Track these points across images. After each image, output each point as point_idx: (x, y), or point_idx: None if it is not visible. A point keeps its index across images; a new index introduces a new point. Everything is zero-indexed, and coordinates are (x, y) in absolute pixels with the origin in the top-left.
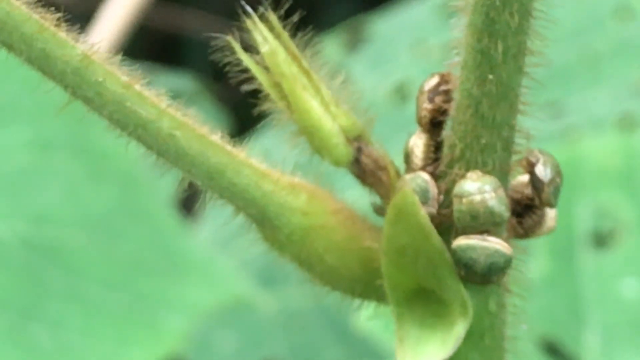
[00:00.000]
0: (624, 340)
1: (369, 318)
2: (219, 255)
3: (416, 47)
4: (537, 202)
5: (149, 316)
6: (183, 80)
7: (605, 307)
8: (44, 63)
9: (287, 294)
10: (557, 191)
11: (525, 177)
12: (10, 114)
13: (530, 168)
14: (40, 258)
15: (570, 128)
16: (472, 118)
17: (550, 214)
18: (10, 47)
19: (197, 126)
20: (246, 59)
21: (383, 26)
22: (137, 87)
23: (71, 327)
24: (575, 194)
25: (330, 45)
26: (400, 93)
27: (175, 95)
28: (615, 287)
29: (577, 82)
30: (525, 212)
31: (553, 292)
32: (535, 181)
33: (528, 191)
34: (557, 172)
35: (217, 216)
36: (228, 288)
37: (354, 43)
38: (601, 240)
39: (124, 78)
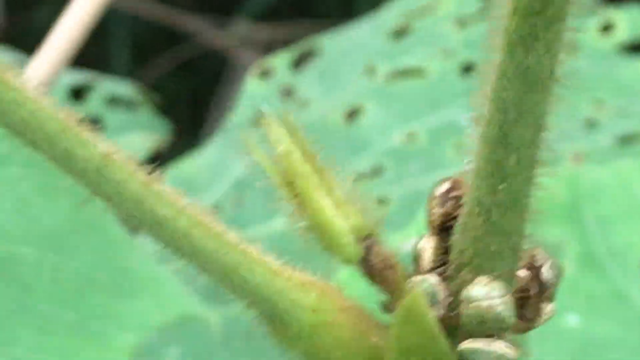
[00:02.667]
0: None
1: None
2: (166, 271)
3: (364, 69)
4: (536, 297)
5: (99, 332)
6: (123, 87)
7: (546, 340)
8: (66, 161)
9: (232, 311)
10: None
11: (524, 273)
12: None
13: (536, 271)
14: None
15: None
16: (483, 225)
17: (548, 306)
18: (34, 145)
19: (213, 224)
20: (260, 158)
21: (332, 45)
22: (156, 186)
23: (21, 343)
24: None
25: (280, 62)
26: (348, 114)
27: (113, 101)
28: (556, 320)
29: None
30: (524, 306)
31: None
32: (540, 283)
33: (528, 287)
34: (560, 272)
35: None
36: (176, 305)
37: (303, 61)
38: None
39: (143, 177)
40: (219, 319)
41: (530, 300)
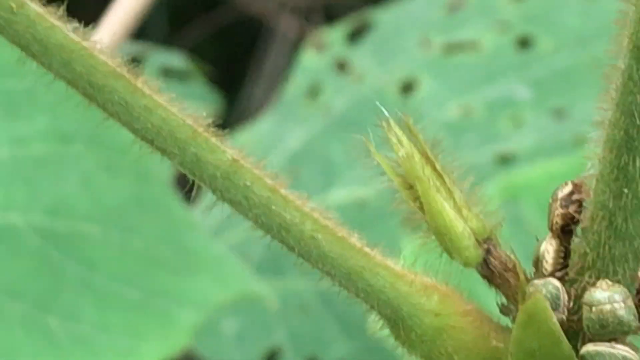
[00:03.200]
0: None
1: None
2: (224, 248)
3: (420, 42)
4: None
5: (162, 310)
6: (175, 59)
7: None
8: (195, 167)
9: (287, 283)
10: None
11: None
12: (27, 105)
13: None
14: (55, 249)
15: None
16: (606, 230)
17: None
18: (163, 152)
19: (337, 228)
20: (381, 162)
21: (387, 18)
22: (283, 191)
23: (85, 319)
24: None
25: (334, 35)
26: (403, 87)
27: (166, 73)
28: None
29: (582, 89)
30: None
31: None
32: None
33: None
34: None
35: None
36: (236, 282)
37: (358, 34)
38: None
39: (270, 182)
40: (276, 293)
41: None
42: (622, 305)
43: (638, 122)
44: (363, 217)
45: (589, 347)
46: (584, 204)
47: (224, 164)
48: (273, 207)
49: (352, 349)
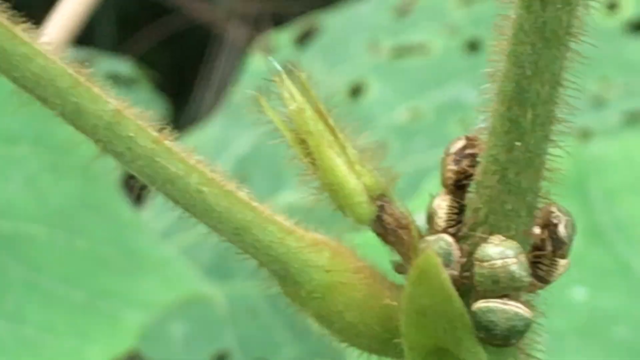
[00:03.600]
0: (570, 345)
1: None
2: (171, 248)
3: (367, 45)
4: (551, 255)
5: (108, 311)
6: (122, 65)
7: (554, 313)
8: (76, 117)
9: (235, 287)
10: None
11: (539, 231)
12: None
13: (552, 229)
14: (0, 250)
15: None
16: (498, 184)
17: (562, 262)
18: (44, 101)
19: (224, 182)
20: (273, 116)
21: (336, 23)
22: (167, 142)
23: (30, 321)
24: None
25: (282, 39)
26: (354, 90)
27: (113, 80)
28: (563, 293)
29: None
30: (538, 264)
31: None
32: (556, 241)
33: (543, 245)
34: (574, 230)
35: (159, 205)
36: (184, 284)
37: (306, 37)
38: None
39: (155, 134)
40: (225, 296)
41: (544, 258)
42: (515, 260)
43: (529, 73)
44: (311, 220)
45: (481, 304)
46: (478, 158)
47: (106, 115)
48: (157, 159)
49: (301, 352)
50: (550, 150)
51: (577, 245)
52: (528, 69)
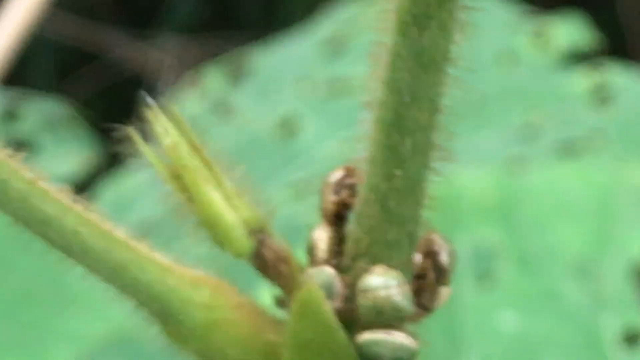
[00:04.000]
0: None
1: None
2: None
3: (301, 83)
4: (434, 283)
5: (35, 347)
6: (56, 106)
7: (484, 340)
8: None
9: None
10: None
11: (421, 259)
12: None
13: (433, 257)
14: None
15: (457, 170)
16: (379, 213)
17: (444, 290)
18: None
19: (101, 222)
20: (146, 152)
21: (267, 60)
22: (42, 183)
23: None
24: (454, 229)
25: (214, 78)
26: (286, 128)
27: (47, 121)
28: (493, 320)
29: (464, 125)
30: (421, 293)
31: (432, 325)
32: (438, 269)
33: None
34: (455, 258)
35: None
36: (112, 318)
37: (238, 76)
38: (480, 274)
39: (28, 175)
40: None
41: (427, 286)
42: (398, 290)
43: (407, 100)
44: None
45: (365, 336)
46: (357, 188)
47: None
48: (31, 201)
49: None
50: (430, 177)
51: (506, 273)
52: (406, 96)
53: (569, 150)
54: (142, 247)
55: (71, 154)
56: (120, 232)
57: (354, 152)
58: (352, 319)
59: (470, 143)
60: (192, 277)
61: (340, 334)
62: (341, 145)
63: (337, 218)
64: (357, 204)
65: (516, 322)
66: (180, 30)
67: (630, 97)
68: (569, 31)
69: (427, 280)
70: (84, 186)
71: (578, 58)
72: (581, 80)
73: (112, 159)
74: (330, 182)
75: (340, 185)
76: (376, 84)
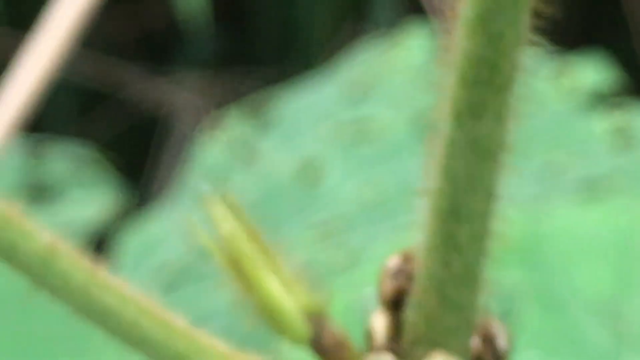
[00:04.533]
0: None
1: None
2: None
3: (326, 129)
4: None
5: None
6: (82, 149)
7: None
8: (11, 254)
9: None
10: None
11: (478, 343)
12: None
13: (491, 341)
14: None
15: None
16: (436, 300)
17: None
18: None
19: (161, 311)
20: (204, 240)
21: (292, 104)
22: (101, 274)
23: None
24: None
25: (237, 122)
26: (310, 173)
27: (71, 165)
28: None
29: None
30: None
31: None
32: (495, 353)
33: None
34: (512, 341)
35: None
36: None
37: (262, 121)
38: (503, 316)
39: (89, 266)
40: None
41: None
42: None
43: (462, 189)
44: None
45: None
46: (414, 274)
47: (39, 251)
48: (92, 293)
49: None
50: (487, 264)
51: (530, 315)
52: (462, 185)
53: (591, 191)
54: (202, 335)
55: (96, 198)
56: (180, 321)
57: (412, 240)
58: None
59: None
60: None
61: None
62: (364, 188)
63: (395, 304)
64: (415, 290)
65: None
66: (198, 66)
67: None
68: (589, 71)
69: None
70: (107, 230)
71: (600, 98)
72: (603, 122)
73: (135, 201)
74: (388, 268)
75: (397, 272)
76: (432, 171)
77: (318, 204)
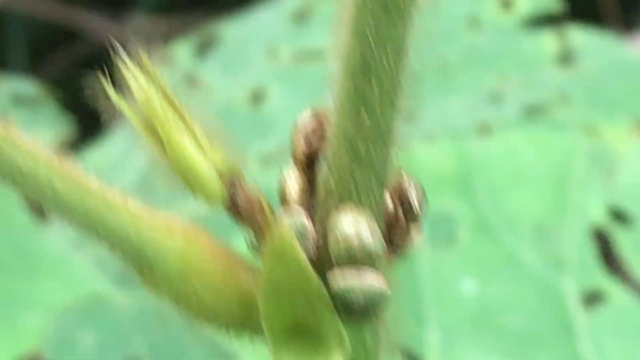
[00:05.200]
0: (464, 337)
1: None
2: (75, 253)
3: (268, 53)
4: (405, 223)
5: (5, 315)
6: (25, 84)
7: (445, 307)
8: None
9: (147, 295)
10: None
11: (391, 200)
12: None
13: (404, 197)
14: None
15: (426, 136)
16: (349, 159)
17: (415, 227)
18: None
19: (74, 173)
20: (120, 104)
21: (233, 32)
22: (15, 137)
23: None
24: None
25: (181, 51)
26: (255, 98)
27: (17, 99)
28: (454, 286)
29: (432, 91)
30: (393, 233)
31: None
32: (408, 208)
33: (396, 213)
34: (424, 196)
35: None
36: (85, 285)
37: (205, 48)
38: (438, 242)
39: (1, 129)
40: (133, 303)
41: (397, 224)
42: (367, 227)
43: (372, 45)
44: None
45: (339, 280)
46: (327, 132)
47: None
48: (5, 154)
49: (211, 358)
50: (399, 121)
51: (464, 240)
52: (372, 42)
53: (534, 114)
54: (116, 195)
55: (42, 132)
56: (93, 182)
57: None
58: (324, 258)
59: (437, 109)
60: (166, 224)
61: (313, 277)
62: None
63: (308, 161)
64: (327, 150)
65: (477, 288)
66: (153, 11)
67: (593, 58)
68: None
69: (397, 218)
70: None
71: (543, 21)
72: (546, 43)
73: (84, 137)
74: (300, 126)
75: (310, 131)
76: (342, 28)
77: (265, 132)
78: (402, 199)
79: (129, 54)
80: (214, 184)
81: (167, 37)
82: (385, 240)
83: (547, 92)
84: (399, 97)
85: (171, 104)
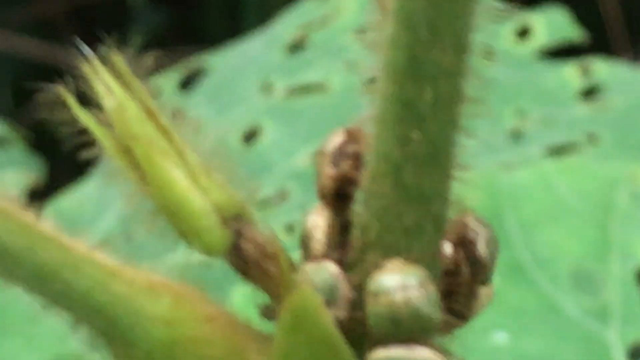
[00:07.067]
0: None
1: None
2: (43, 310)
3: (260, 85)
4: (468, 282)
5: None
6: (4, 127)
7: (477, 355)
8: None
9: None
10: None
11: (452, 250)
12: None
13: (467, 246)
14: None
15: None
16: (392, 189)
17: (484, 290)
18: None
19: (22, 214)
20: (84, 117)
21: (222, 63)
22: None
23: None
24: None
25: (167, 85)
26: (247, 134)
27: None
28: (483, 338)
29: None
30: (453, 295)
31: None
32: (474, 263)
33: (458, 268)
34: (497, 247)
35: None
36: (53, 346)
37: (191, 82)
38: None
39: None
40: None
41: (460, 286)
42: (420, 292)
43: (424, 37)
44: (209, 278)
45: (379, 354)
46: (363, 157)
47: None
48: None
49: None
50: (460, 139)
51: (495, 285)
52: (423, 32)
53: (560, 155)
54: (78, 245)
55: (9, 174)
56: (48, 228)
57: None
58: (360, 331)
59: None
60: (147, 282)
61: (345, 352)
62: (309, 159)
63: (339, 198)
64: (364, 178)
65: (509, 340)
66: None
67: (619, 92)
68: (551, 26)
69: (460, 278)
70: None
71: (561, 53)
72: (568, 75)
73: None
74: (327, 151)
75: (340, 155)
76: (385, 16)
77: (259, 174)
78: (467, 250)
79: (102, 59)
80: (212, 227)
81: (154, 72)
82: (444, 306)
83: (572, 130)
84: (459, 106)
85: (154, 118)
